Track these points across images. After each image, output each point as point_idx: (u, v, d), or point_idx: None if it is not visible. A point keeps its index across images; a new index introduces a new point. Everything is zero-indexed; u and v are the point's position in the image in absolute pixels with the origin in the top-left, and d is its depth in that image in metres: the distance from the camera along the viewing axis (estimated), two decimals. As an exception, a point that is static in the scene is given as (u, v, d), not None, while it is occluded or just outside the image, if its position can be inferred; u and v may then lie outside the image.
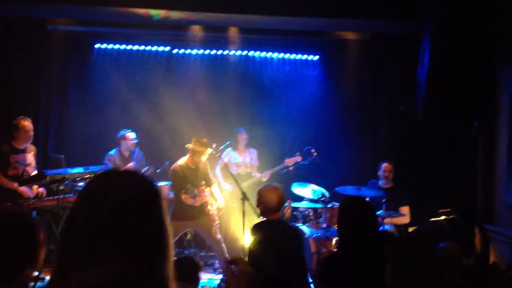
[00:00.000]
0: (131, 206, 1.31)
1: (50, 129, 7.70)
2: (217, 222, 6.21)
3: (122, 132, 7.17)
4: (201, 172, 6.26)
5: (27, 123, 6.32)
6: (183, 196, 6.03)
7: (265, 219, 4.48)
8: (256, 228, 4.34)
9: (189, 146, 6.19)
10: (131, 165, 7.02)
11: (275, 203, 4.38)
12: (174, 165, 6.23)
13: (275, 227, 4.36)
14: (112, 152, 7.14)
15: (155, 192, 1.38)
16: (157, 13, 6.69)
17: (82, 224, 1.29)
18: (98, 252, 1.26)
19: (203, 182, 6.20)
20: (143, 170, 7.05)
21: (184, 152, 6.33)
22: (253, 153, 7.54)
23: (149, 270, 1.30)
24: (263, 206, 4.42)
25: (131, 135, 7.17)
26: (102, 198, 1.31)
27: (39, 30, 7.35)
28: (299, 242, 4.36)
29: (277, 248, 4.16)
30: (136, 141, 7.22)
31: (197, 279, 3.89)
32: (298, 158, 7.25)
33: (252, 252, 4.21)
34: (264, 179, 7.31)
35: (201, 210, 6.12)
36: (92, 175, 6.08)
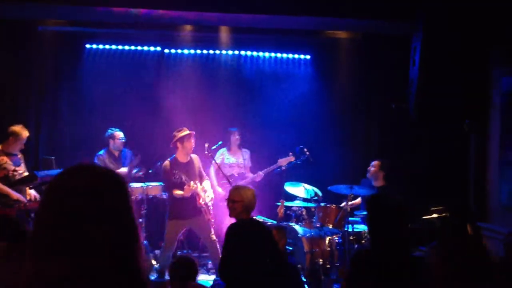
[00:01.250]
0: (95, 197, 1.31)
1: (41, 130, 7.66)
2: (212, 221, 6.20)
3: (110, 132, 7.13)
4: (195, 166, 6.27)
5: (25, 134, 6.18)
6: (174, 191, 6.02)
7: (241, 219, 4.45)
8: (234, 228, 4.33)
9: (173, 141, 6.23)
10: (121, 170, 6.97)
11: (254, 203, 4.40)
12: (165, 161, 6.24)
13: (252, 226, 4.37)
14: (101, 152, 7.11)
15: (120, 184, 1.38)
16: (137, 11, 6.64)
17: (48, 216, 1.30)
18: (63, 245, 1.26)
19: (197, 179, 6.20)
20: (135, 170, 7.03)
21: (175, 152, 6.34)
22: (246, 153, 7.52)
23: (118, 263, 1.29)
24: (241, 206, 4.38)
25: (119, 134, 7.14)
26: (66, 191, 1.31)
27: (30, 31, 7.30)
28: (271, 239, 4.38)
29: (254, 248, 4.17)
30: (124, 140, 7.18)
31: (195, 279, 3.90)
32: (291, 158, 7.25)
33: (229, 254, 4.21)
34: (257, 180, 7.30)
35: (196, 208, 6.09)
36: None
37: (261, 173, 7.34)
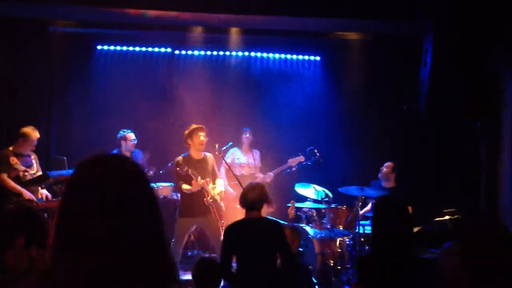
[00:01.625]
0: (120, 187, 1.28)
1: (52, 131, 7.69)
2: (222, 222, 6.17)
3: (122, 133, 7.15)
4: (209, 164, 6.15)
5: (35, 135, 6.19)
6: (181, 186, 5.94)
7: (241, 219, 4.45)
8: (228, 229, 4.34)
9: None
10: None
11: (252, 200, 4.34)
12: (178, 157, 6.13)
13: (249, 225, 4.33)
14: (114, 152, 7.14)
15: (142, 172, 1.36)
16: (149, 12, 6.66)
17: (73, 210, 1.27)
18: (88, 240, 1.23)
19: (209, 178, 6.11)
20: (145, 170, 7.05)
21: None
22: (256, 154, 7.53)
23: (150, 256, 1.25)
24: (242, 203, 4.40)
25: (131, 135, 7.15)
26: (91, 182, 1.28)
27: (40, 31, 7.32)
28: (279, 235, 4.29)
29: (251, 245, 4.16)
30: (135, 142, 7.19)
31: (219, 282, 3.86)
32: (301, 158, 7.27)
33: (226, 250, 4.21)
34: (268, 180, 7.30)
35: (205, 206, 6.00)
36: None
37: (271, 174, 7.35)
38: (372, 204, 6.69)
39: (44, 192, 6.22)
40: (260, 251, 4.18)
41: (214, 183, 6.17)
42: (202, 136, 6.03)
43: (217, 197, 6.11)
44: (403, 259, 3.07)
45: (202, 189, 5.95)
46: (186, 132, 6.09)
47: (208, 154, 6.29)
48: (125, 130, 7.18)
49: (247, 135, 7.41)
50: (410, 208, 6.44)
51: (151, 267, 1.25)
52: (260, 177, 7.36)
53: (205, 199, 5.96)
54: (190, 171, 5.85)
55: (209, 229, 6.13)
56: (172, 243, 6.21)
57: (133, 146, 7.21)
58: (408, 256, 3.08)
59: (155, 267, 1.26)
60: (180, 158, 6.07)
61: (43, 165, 6.72)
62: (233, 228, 4.34)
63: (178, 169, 5.88)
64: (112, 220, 1.24)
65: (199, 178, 5.88)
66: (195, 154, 6.10)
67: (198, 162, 6.08)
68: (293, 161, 7.29)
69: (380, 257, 3.12)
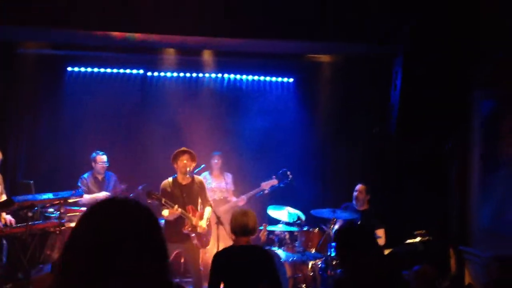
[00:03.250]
0: (131, 235, 1.35)
1: (20, 154, 7.53)
2: (206, 249, 6.08)
3: (94, 154, 7.09)
4: (196, 189, 5.98)
5: None
6: (162, 212, 5.77)
7: (230, 245, 4.39)
8: (217, 256, 4.26)
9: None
10: (103, 194, 6.89)
11: (241, 227, 4.25)
12: (164, 180, 5.98)
13: (239, 252, 4.25)
14: (86, 175, 7.08)
15: (154, 222, 1.44)
16: (133, 36, 6.63)
17: (83, 250, 1.32)
18: (98, 274, 1.29)
19: (199, 201, 5.97)
20: (117, 194, 6.96)
21: (158, 175, 6.24)
22: (228, 177, 7.48)
23: None
24: (231, 229, 4.33)
25: (101, 158, 7.08)
26: (103, 226, 1.35)
27: (9, 54, 7.22)
28: (268, 265, 4.20)
29: (241, 274, 4.08)
30: (105, 165, 7.10)
31: None
32: (274, 181, 7.28)
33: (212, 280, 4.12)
34: (241, 204, 7.26)
35: (186, 234, 5.81)
36: (62, 201, 5.94)
37: (243, 197, 7.32)
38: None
39: (7, 217, 6.06)
40: (248, 279, 4.10)
41: (202, 209, 5.97)
42: (185, 160, 5.84)
43: (201, 226, 5.86)
44: (369, 281, 3.08)
45: (183, 216, 5.75)
46: (172, 155, 5.96)
47: (198, 178, 6.12)
48: (98, 151, 7.09)
49: (216, 160, 7.37)
50: (382, 231, 6.50)
51: None
52: (232, 201, 7.31)
53: (184, 227, 5.75)
54: (163, 200, 5.64)
55: (188, 256, 5.96)
56: None
57: (102, 168, 7.11)
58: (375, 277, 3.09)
59: None
60: (166, 181, 5.91)
61: (9, 189, 6.57)
62: (221, 255, 4.26)
63: (150, 200, 5.64)
64: (117, 258, 1.31)
65: (176, 206, 5.68)
66: (181, 178, 5.92)
67: (184, 187, 5.90)
68: (266, 184, 7.28)
69: (354, 277, 3.12)
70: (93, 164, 7.10)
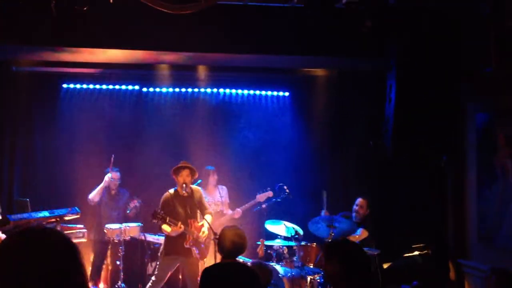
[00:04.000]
0: (49, 264, 1.32)
1: (16, 172, 7.48)
2: (204, 261, 6.11)
3: (108, 170, 7.22)
4: (195, 200, 6.12)
5: None
6: (162, 227, 5.92)
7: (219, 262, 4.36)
8: (206, 272, 4.21)
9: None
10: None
11: (228, 246, 4.18)
12: (166, 193, 6.14)
13: (226, 270, 4.21)
14: (98, 187, 7.19)
15: (73, 249, 1.39)
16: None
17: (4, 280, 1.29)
18: None
19: (198, 212, 6.09)
20: (128, 211, 7.13)
21: (154, 190, 6.29)
22: (223, 190, 7.46)
23: None
24: (221, 249, 4.25)
25: (115, 175, 7.26)
26: (13, 256, 1.31)
27: (3, 72, 7.20)
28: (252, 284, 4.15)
29: None
30: (117, 182, 7.29)
31: None
32: (269, 194, 7.29)
33: None
34: (236, 216, 7.25)
35: (187, 248, 5.97)
36: (58, 219, 5.91)
37: (239, 210, 7.32)
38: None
39: (2, 236, 6.00)
40: None
41: (202, 219, 6.10)
42: (185, 176, 6.02)
43: (202, 236, 6.02)
44: None
45: (185, 232, 5.93)
46: (172, 169, 6.10)
47: (195, 188, 6.29)
48: (114, 168, 7.25)
49: (212, 176, 7.36)
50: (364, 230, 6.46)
51: None
52: (228, 214, 7.29)
53: (185, 242, 5.93)
54: (168, 219, 5.84)
55: (188, 269, 6.10)
56: (151, 281, 6.06)
57: (115, 185, 7.29)
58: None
59: None
60: (168, 194, 6.10)
61: (5, 207, 6.52)
62: (209, 271, 4.20)
63: (155, 220, 5.82)
64: None
65: (179, 224, 5.85)
66: (180, 190, 6.08)
67: (184, 199, 6.07)
68: (262, 197, 7.28)
69: None
70: (106, 179, 7.22)
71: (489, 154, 6.11)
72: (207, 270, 4.19)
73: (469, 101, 6.50)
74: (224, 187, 7.51)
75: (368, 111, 7.38)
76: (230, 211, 7.34)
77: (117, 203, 7.33)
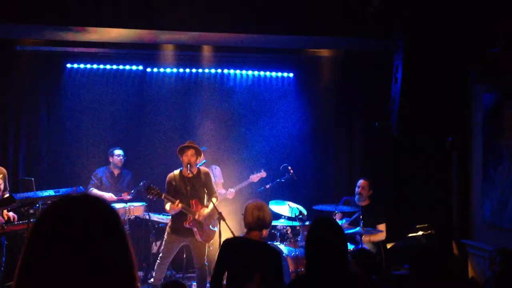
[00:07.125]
0: (93, 231, 1.27)
1: (20, 151, 7.50)
2: (210, 243, 6.12)
3: (111, 149, 7.26)
4: (201, 181, 6.06)
5: None
6: (165, 205, 5.93)
7: (242, 236, 4.38)
8: (227, 243, 4.23)
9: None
10: (109, 195, 6.93)
11: (249, 219, 4.24)
12: (170, 173, 6.11)
13: (249, 244, 4.22)
14: (101, 169, 7.28)
15: (115, 217, 1.35)
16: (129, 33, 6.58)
17: (40, 247, 1.26)
18: (58, 277, 1.22)
19: (205, 192, 6.03)
20: (132, 191, 7.15)
21: (159, 170, 6.23)
22: (217, 170, 7.45)
23: None
24: (245, 223, 4.29)
25: (118, 151, 7.28)
26: (61, 222, 1.27)
27: (7, 51, 7.18)
28: (274, 263, 4.15)
29: (245, 266, 4.05)
30: (121, 158, 7.29)
31: None
32: (262, 174, 7.35)
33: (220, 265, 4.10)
34: (230, 197, 7.28)
35: (188, 228, 5.95)
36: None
37: (232, 190, 7.31)
38: (347, 220, 6.66)
39: (10, 214, 6.05)
40: (252, 274, 4.07)
41: (208, 201, 6.04)
42: (190, 155, 5.93)
43: (200, 214, 5.95)
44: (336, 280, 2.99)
45: (184, 211, 5.88)
46: (178, 148, 6.05)
47: (203, 170, 6.22)
48: (116, 147, 7.30)
49: (204, 157, 7.35)
50: (383, 225, 6.48)
51: None
52: (221, 194, 7.29)
53: (185, 222, 5.89)
54: (163, 195, 5.81)
55: (194, 250, 6.09)
56: (159, 257, 6.09)
57: (120, 162, 7.30)
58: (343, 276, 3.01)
59: None
60: (172, 174, 6.06)
61: (10, 186, 6.55)
62: (231, 244, 4.23)
63: (150, 195, 5.80)
64: (76, 259, 1.23)
65: (177, 201, 5.80)
66: (185, 171, 6.01)
67: (189, 180, 5.99)
68: (255, 177, 7.31)
69: (310, 279, 3.04)
70: (110, 158, 7.29)
71: (495, 135, 6.08)
72: (227, 241, 4.23)
73: (476, 81, 6.46)
74: (217, 167, 7.50)
75: (374, 92, 7.34)
76: (223, 191, 7.33)
77: (120, 184, 7.34)
